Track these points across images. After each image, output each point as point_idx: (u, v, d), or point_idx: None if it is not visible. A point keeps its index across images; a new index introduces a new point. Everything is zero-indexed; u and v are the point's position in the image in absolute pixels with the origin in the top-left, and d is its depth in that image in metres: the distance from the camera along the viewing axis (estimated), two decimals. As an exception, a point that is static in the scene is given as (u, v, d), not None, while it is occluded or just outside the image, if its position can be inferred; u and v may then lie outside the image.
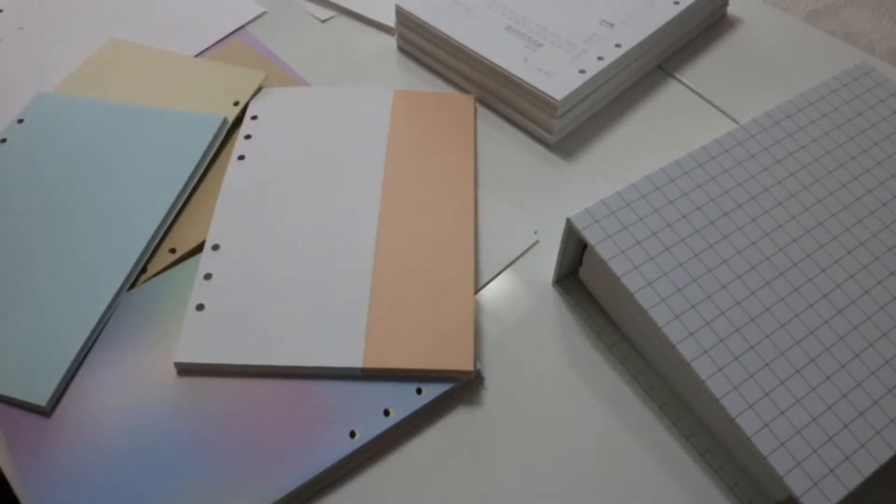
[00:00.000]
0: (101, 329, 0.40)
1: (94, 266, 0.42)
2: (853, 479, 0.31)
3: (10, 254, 0.42)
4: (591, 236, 0.37)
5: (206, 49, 0.57)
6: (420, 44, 0.55)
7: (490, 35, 0.52)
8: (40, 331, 0.39)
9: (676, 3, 0.54)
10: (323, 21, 0.60)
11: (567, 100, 0.48)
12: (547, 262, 0.44)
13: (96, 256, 0.42)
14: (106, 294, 0.41)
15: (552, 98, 0.47)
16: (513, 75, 0.49)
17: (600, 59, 0.50)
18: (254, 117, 0.50)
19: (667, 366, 0.38)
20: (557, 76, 0.49)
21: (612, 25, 0.53)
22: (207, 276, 0.41)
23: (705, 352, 0.34)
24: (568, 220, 0.38)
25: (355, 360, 0.38)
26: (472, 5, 0.54)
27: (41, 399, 0.36)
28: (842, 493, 0.31)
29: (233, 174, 0.46)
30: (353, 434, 0.36)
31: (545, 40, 0.52)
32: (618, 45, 0.51)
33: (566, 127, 0.50)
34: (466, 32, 0.52)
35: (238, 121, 0.50)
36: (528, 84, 0.49)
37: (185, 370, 0.38)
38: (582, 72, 0.49)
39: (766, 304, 0.35)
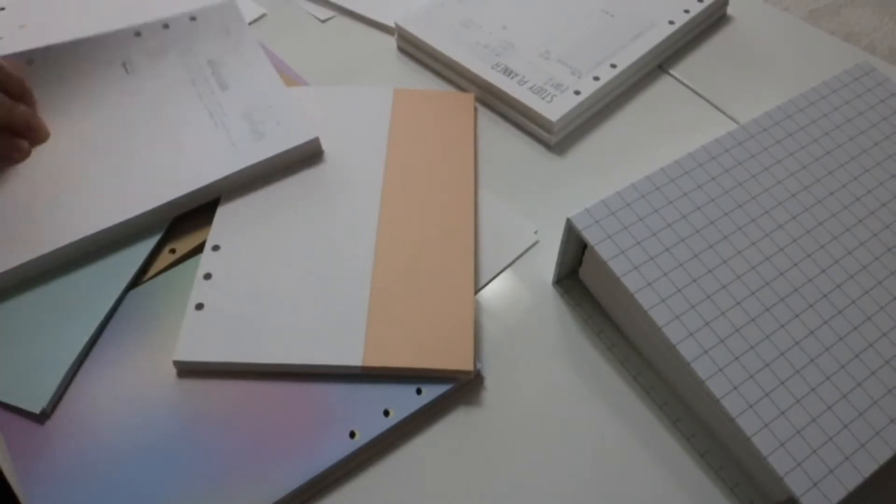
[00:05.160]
0: (102, 329, 0.40)
1: (95, 268, 0.42)
2: (853, 480, 0.31)
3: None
4: (591, 236, 0.37)
5: (207, 49, 0.56)
6: (420, 45, 0.55)
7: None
8: (39, 335, 0.39)
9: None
10: (323, 21, 0.60)
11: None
12: (547, 262, 0.44)
13: (97, 259, 0.42)
14: (106, 298, 0.41)
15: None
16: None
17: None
18: (254, 117, 0.50)
19: (667, 366, 0.38)
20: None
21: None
22: (207, 276, 0.41)
23: (705, 352, 0.34)
24: (568, 220, 0.38)
25: (355, 359, 0.38)
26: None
27: (35, 407, 0.36)
28: (842, 493, 0.31)
29: (233, 174, 0.46)
30: (353, 434, 0.36)
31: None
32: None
33: (566, 127, 0.50)
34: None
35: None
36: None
37: (185, 369, 0.38)
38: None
39: (766, 304, 0.35)
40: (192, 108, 0.48)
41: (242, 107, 0.48)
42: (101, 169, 0.45)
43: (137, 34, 0.50)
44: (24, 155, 0.45)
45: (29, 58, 0.47)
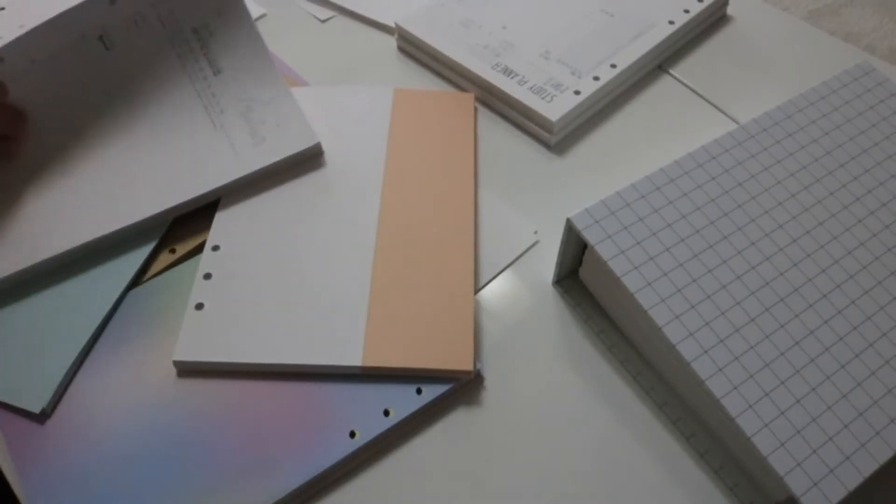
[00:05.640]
0: (102, 329, 0.40)
1: (95, 268, 0.42)
2: (853, 480, 0.31)
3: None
4: (591, 236, 0.37)
5: (207, 49, 0.56)
6: (420, 45, 0.55)
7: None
8: (39, 335, 0.39)
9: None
10: (323, 21, 0.60)
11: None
12: (547, 262, 0.44)
13: (97, 259, 0.42)
14: (106, 298, 0.41)
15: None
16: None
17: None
18: (254, 117, 0.50)
19: (667, 366, 0.38)
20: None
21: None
22: (207, 276, 0.41)
23: (705, 352, 0.34)
24: (568, 220, 0.38)
25: (354, 359, 0.38)
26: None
27: (35, 407, 0.36)
28: (842, 493, 0.31)
29: (233, 174, 0.46)
30: (353, 434, 0.36)
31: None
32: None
33: (566, 127, 0.50)
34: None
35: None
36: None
37: (185, 369, 0.38)
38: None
39: (766, 304, 0.35)
40: (187, 102, 0.47)
41: (240, 102, 0.48)
42: (100, 172, 0.45)
43: (112, 1, 0.45)
44: (11, 159, 0.44)
45: None
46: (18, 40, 0.43)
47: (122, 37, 0.46)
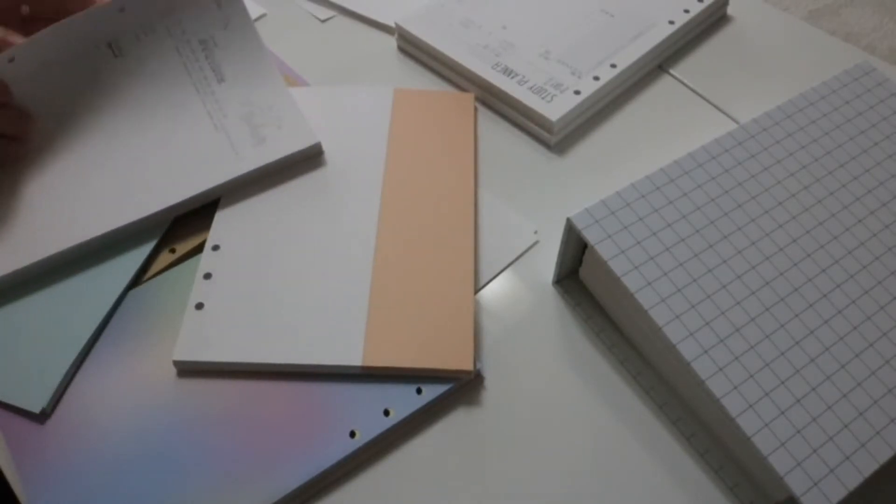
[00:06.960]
0: (102, 329, 0.40)
1: (95, 268, 0.42)
2: (853, 480, 0.31)
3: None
4: (591, 236, 0.37)
5: (207, 49, 0.56)
6: (420, 45, 0.55)
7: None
8: (39, 335, 0.39)
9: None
10: (323, 21, 0.60)
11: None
12: (547, 262, 0.44)
13: (97, 259, 0.42)
14: (106, 298, 0.41)
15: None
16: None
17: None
18: (254, 117, 0.50)
19: (667, 366, 0.38)
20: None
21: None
22: (207, 276, 0.41)
23: (705, 352, 0.34)
24: (568, 220, 0.38)
25: (354, 359, 0.38)
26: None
27: (35, 407, 0.36)
28: (842, 493, 0.31)
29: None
30: (353, 434, 0.36)
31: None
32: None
33: (566, 127, 0.50)
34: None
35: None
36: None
37: (185, 369, 0.38)
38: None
39: (766, 304, 0.35)
40: (191, 106, 0.48)
41: (242, 107, 0.48)
42: (100, 171, 0.45)
43: (121, 10, 0.46)
44: (16, 160, 0.44)
45: (10, 56, 0.43)
46: (30, 42, 0.43)
47: (130, 45, 0.47)
